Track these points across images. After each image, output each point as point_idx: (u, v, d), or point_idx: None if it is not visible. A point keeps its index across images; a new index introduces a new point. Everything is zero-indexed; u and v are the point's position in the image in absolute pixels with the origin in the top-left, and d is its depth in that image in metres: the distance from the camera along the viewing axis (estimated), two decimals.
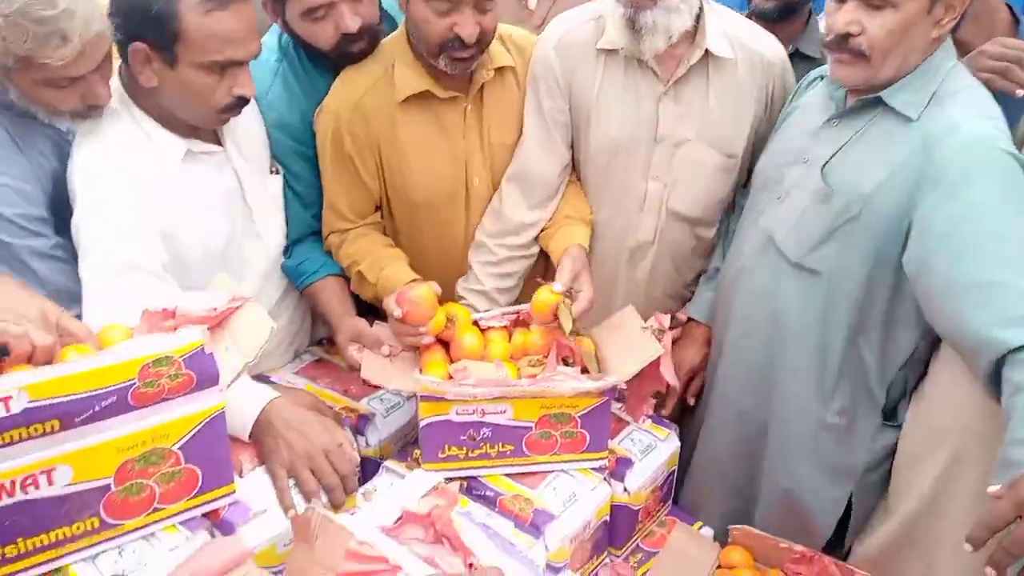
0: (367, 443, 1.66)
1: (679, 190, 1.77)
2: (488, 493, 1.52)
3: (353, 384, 1.79)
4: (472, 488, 1.54)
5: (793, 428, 1.65)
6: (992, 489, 1.08)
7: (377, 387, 1.78)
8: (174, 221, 1.52)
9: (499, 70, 1.77)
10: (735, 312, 1.71)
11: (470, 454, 1.53)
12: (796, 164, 1.59)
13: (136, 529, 1.14)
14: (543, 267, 1.91)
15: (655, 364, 1.58)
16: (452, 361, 1.59)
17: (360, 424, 1.67)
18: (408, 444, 1.70)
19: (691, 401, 1.91)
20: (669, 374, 1.62)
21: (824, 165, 1.52)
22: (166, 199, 1.51)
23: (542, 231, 1.86)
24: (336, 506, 1.32)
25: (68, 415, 1.02)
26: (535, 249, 1.88)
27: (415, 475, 1.30)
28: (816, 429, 1.63)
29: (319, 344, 1.99)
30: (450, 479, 1.51)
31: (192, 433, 1.14)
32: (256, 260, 1.74)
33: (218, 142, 1.63)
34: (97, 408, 1.04)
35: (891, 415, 1.63)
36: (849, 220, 1.47)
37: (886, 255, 1.46)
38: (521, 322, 1.67)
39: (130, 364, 1.05)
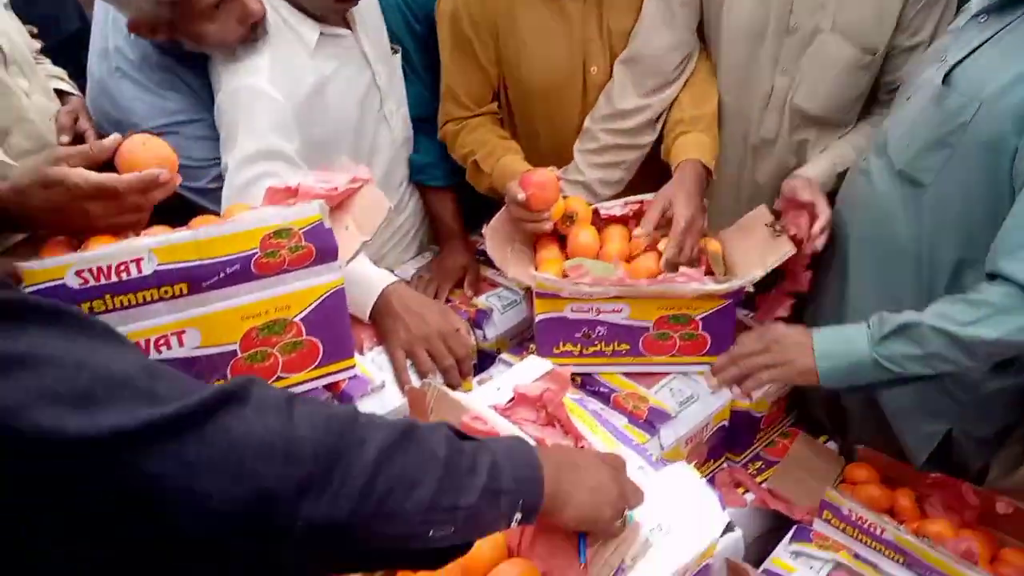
0: (484, 337, 1.67)
1: (806, 86, 1.61)
2: (602, 390, 1.50)
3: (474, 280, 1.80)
4: (586, 384, 1.53)
5: None
6: None
7: (495, 285, 1.79)
8: (308, 106, 1.54)
9: None
10: (842, 213, 1.56)
11: (584, 351, 1.51)
12: (935, 62, 1.39)
13: None
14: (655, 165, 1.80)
15: (793, 262, 1.49)
16: (567, 258, 1.56)
17: (478, 318, 1.68)
18: (524, 340, 1.70)
19: None
20: (805, 277, 1.54)
21: (955, 65, 1.31)
22: (302, 84, 1.53)
23: (663, 133, 1.76)
24: (452, 387, 1.34)
25: (195, 279, 1.06)
26: (645, 139, 1.75)
27: (529, 360, 1.29)
28: None
29: None
30: None
31: (313, 306, 1.16)
32: (384, 145, 1.75)
33: (347, 27, 1.62)
34: (222, 275, 1.07)
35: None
36: (960, 126, 1.27)
37: (999, 171, 1.26)
38: (643, 213, 1.61)
39: (252, 233, 1.07)
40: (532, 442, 1.02)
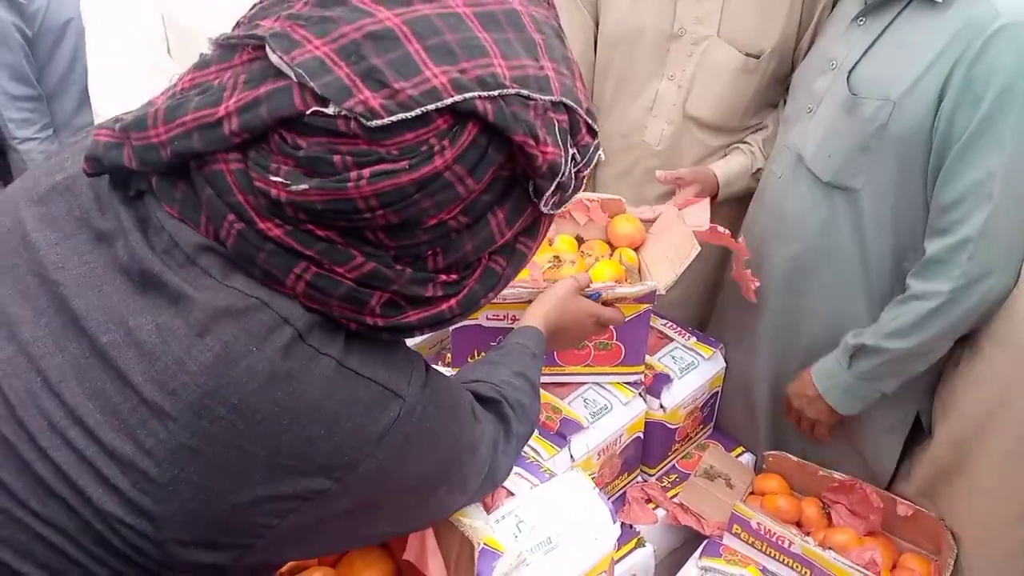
0: None
1: (697, 92, 1.61)
2: None
3: None
4: None
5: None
6: None
7: None
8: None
9: None
10: (765, 230, 1.56)
11: None
12: (825, 72, 1.41)
13: None
14: None
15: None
16: None
17: None
18: (443, 350, 1.67)
19: None
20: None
21: (851, 71, 1.33)
22: None
23: None
24: None
25: None
26: None
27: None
28: None
29: None
30: None
31: None
32: None
33: None
34: None
35: None
36: (878, 128, 1.29)
37: (916, 160, 1.29)
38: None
39: None
40: None
